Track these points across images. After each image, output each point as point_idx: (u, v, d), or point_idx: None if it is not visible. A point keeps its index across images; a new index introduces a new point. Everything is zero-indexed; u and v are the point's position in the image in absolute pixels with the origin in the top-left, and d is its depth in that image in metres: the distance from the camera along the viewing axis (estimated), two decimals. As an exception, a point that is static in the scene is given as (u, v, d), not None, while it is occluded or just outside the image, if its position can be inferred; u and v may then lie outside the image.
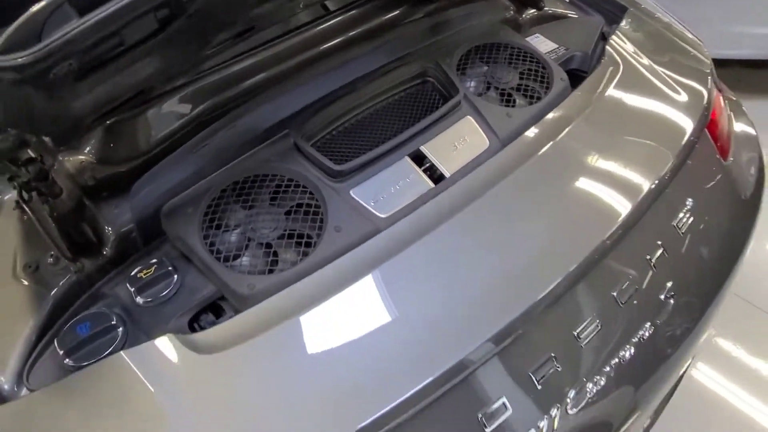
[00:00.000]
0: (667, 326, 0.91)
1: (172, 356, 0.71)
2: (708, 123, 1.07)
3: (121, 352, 0.71)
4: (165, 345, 0.72)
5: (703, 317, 0.97)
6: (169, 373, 0.70)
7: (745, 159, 1.17)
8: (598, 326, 0.84)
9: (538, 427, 0.78)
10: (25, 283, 0.82)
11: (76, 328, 0.77)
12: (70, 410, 0.69)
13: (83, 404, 0.69)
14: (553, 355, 0.80)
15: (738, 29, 2.37)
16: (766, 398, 1.56)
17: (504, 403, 0.76)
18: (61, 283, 0.82)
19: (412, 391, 0.70)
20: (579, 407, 0.81)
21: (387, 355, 0.74)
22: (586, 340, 0.83)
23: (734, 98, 1.31)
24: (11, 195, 0.87)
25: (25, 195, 0.79)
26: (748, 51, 2.46)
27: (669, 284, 0.93)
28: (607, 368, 0.84)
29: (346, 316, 0.76)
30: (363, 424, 0.67)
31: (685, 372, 1.20)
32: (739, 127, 1.25)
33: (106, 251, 0.86)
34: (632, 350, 0.86)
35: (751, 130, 1.26)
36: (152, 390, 0.69)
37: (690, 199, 0.99)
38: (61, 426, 0.68)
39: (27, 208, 0.78)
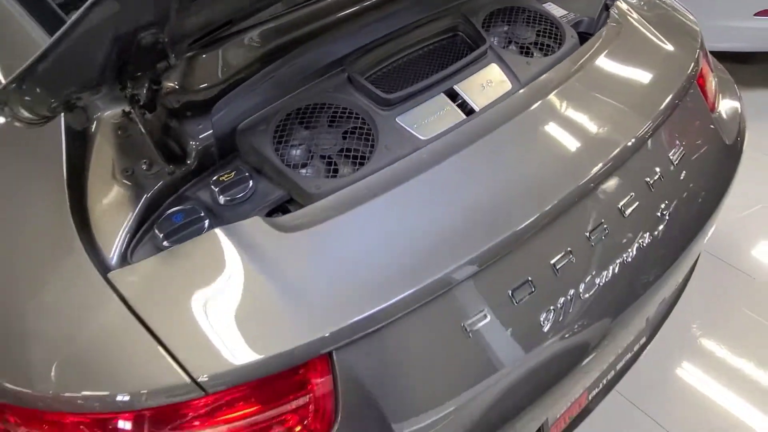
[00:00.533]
0: (662, 239, 1.07)
1: (260, 233, 0.86)
2: (698, 77, 1.24)
3: (216, 229, 0.86)
4: (254, 224, 0.87)
5: (694, 238, 1.14)
6: (257, 245, 0.85)
7: (730, 114, 1.34)
8: (605, 230, 1.00)
9: (557, 305, 0.94)
10: (124, 184, 0.96)
11: (171, 217, 0.92)
12: (175, 273, 0.83)
13: (185, 269, 0.84)
14: (569, 249, 0.96)
15: (725, 23, 2.56)
16: (749, 397, 1.65)
17: (530, 283, 0.92)
18: (153, 185, 0.96)
19: (452, 267, 0.86)
20: (589, 293, 0.97)
21: (432, 238, 0.89)
22: (596, 241, 0.99)
23: (729, 77, 1.50)
24: (110, 112, 1.01)
25: (129, 108, 0.94)
26: (736, 44, 2.64)
27: (663, 204, 1.09)
28: (612, 265, 1.00)
29: (394, 208, 0.92)
30: (423, 284, 0.83)
31: (679, 296, 1.37)
32: (724, 94, 1.42)
33: (189, 162, 1.00)
34: (633, 253, 1.03)
35: (736, 103, 1.43)
36: (243, 258, 0.83)
37: (683, 136, 1.15)
38: (168, 285, 0.83)
39: (136, 115, 0.93)
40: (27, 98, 0.70)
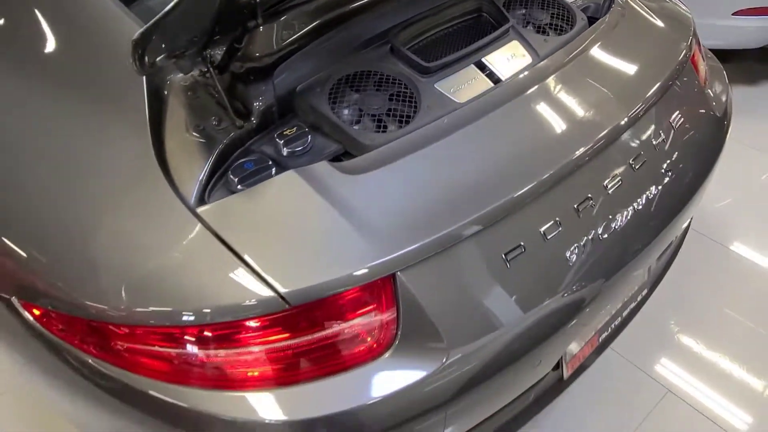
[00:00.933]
0: (664, 191, 1.22)
1: (328, 174, 0.99)
2: (692, 56, 1.40)
3: (291, 171, 0.99)
4: (322, 167, 1.00)
5: (692, 193, 1.29)
6: (327, 184, 0.97)
7: (718, 91, 1.51)
8: (619, 181, 1.15)
9: (580, 243, 1.08)
10: (197, 137, 1.08)
11: (243, 164, 1.03)
12: (256, 207, 0.96)
13: (265, 203, 0.96)
14: (589, 195, 1.11)
15: (704, 21, 2.74)
16: (726, 393, 1.74)
17: (558, 222, 1.06)
18: (223, 139, 1.08)
19: (491, 207, 0.99)
20: (606, 234, 1.11)
21: (473, 183, 1.02)
22: (611, 190, 1.14)
23: (719, 65, 1.67)
24: (180, 76, 1.13)
25: (205, 68, 1.06)
26: (715, 42, 2.84)
27: (666, 163, 1.24)
28: (624, 212, 1.15)
29: (441, 156, 1.05)
30: (468, 219, 0.96)
31: (678, 247, 1.52)
32: (713, 75, 1.59)
33: (253, 119, 1.12)
34: (642, 203, 1.18)
35: (723, 82, 1.60)
36: (316, 194, 0.96)
37: (681, 105, 1.31)
38: (250, 217, 0.95)
39: (212, 75, 1.04)
40: (153, 46, 0.82)
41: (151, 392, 0.94)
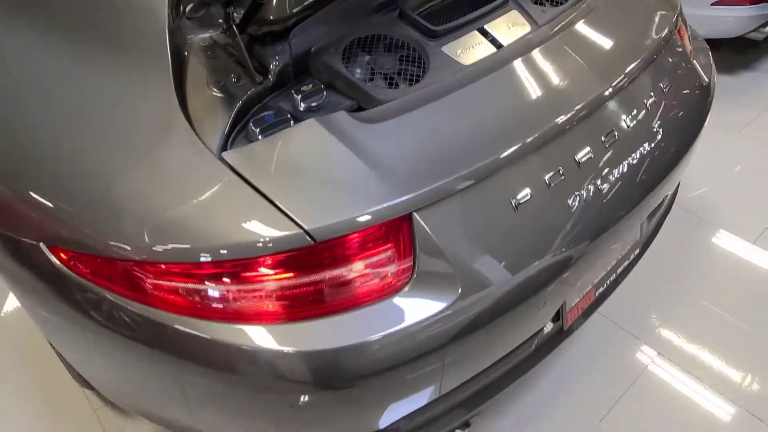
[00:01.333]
0: (656, 148, 1.30)
1: (346, 123, 1.05)
2: (679, 29, 1.49)
3: (312, 119, 1.04)
4: (340, 116, 1.06)
5: (685, 153, 1.38)
6: (346, 131, 1.03)
7: (704, 63, 1.60)
8: (615, 136, 1.22)
9: (580, 192, 1.15)
10: (218, 93, 1.13)
11: (264, 116, 1.09)
12: (280, 152, 1.01)
13: (288, 149, 1.01)
14: (589, 148, 1.18)
15: (685, 11, 2.86)
16: (709, 384, 1.76)
17: (561, 172, 1.13)
18: (243, 94, 1.13)
19: (497, 155, 1.06)
20: (605, 183, 1.19)
21: (481, 132, 1.09)
22: (608, 144, 1.21)
23: (706, 45, 1.76)
24: (198, 37, 1.17)
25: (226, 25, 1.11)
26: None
27: (657, 123, 1.32)
28: (620, 165, 1.22)
29: (451, 108, 1.12)
30: (477, 165, 1.03)
31: (671, 203, 1.61)
32: (697, 52, 1.68)
33: (271, 77, 1.17)
34: (637, 157, 1.25)
35: (708, 57, 1.70)
36: (336, 140, 1.01)
37: (671, 71, 1.39)
38: (275, 160, 1.00)
39: (234, 29, 1.10)
40: None
41: (178, 326, 0.98)
